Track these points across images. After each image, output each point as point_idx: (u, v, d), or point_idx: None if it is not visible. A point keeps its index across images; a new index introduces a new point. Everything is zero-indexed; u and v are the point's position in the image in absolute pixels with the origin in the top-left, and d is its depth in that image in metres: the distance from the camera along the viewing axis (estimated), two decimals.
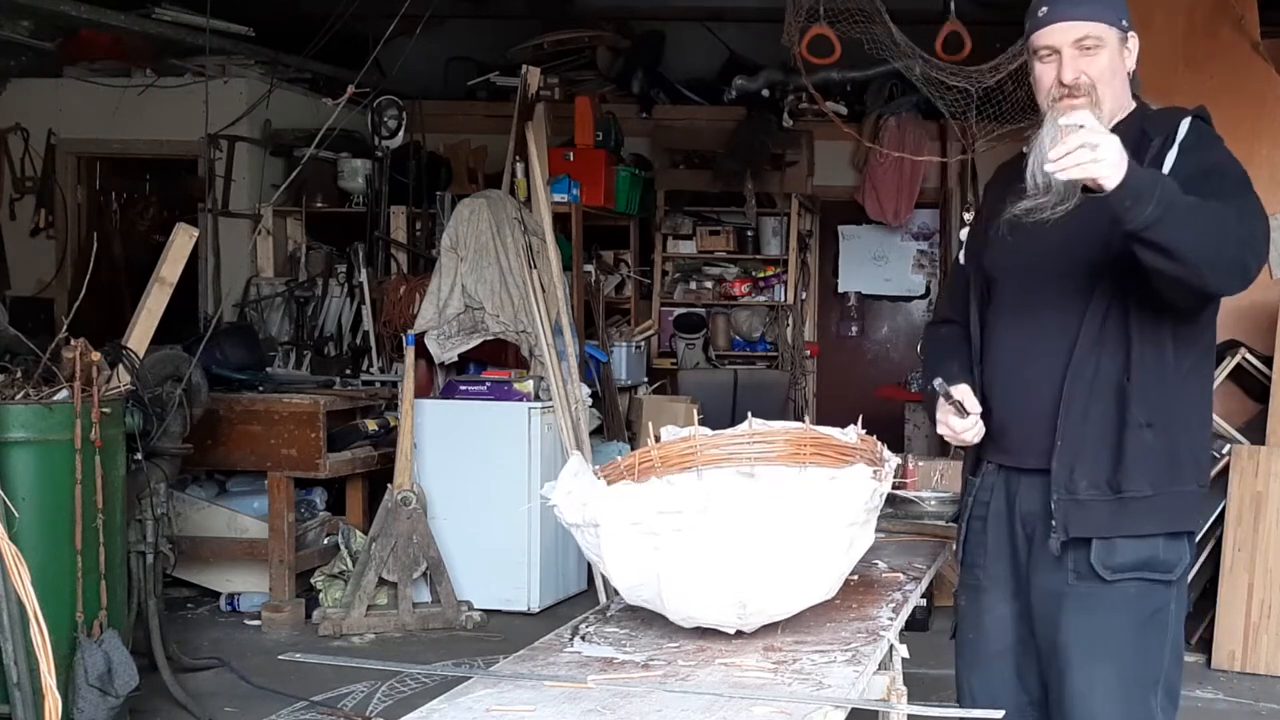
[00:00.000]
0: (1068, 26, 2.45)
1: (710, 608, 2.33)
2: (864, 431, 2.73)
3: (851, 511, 2.32)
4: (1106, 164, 2.15)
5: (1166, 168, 2.39)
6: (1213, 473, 5.26)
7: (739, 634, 2.41)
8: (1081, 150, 2.14)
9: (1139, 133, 2.48)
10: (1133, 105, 2.56)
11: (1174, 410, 2.44)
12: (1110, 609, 2.46)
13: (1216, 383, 5.48)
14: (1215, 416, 5.46)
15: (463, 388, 6.23)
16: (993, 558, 2.64)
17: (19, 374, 4.19)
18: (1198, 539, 5.21)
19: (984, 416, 2.57)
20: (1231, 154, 2.47)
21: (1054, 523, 2.46)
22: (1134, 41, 2.53)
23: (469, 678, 2.23)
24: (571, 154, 7.87)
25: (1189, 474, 2.47)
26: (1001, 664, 2.65)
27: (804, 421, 2.93)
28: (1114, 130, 2.40)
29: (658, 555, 2.26)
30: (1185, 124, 2.48)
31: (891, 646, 2.52)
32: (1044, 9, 2.49)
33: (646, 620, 2.52)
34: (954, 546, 2.82)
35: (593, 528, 2.31)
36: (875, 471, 2.38)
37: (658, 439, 2.86)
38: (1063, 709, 2.53)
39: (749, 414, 2.92)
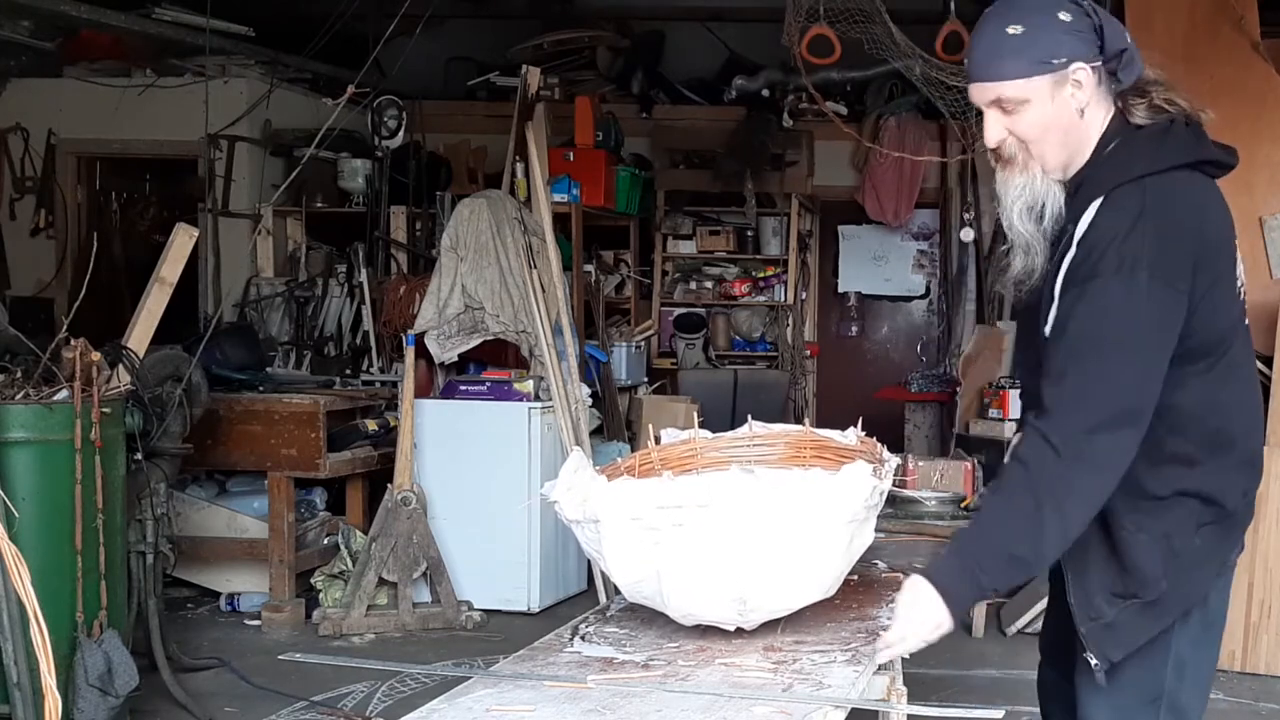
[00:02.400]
0: (981, 88, 2.19)
1: (711, 604, 2.33)
2: (864, 434, 2.75)
3: (852, 508, 2.32)
4: (920, 630, 2.18)
5: (1062, 271, 2.16)
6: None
7: (739, 634, 2.41)
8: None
9: (1071, 201, 2.21)
10: (1098, 129, 2.20)
11: (1159, 509, 2.21)
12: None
13: None
14: None
15: (463, 388, 6.23)
16: (1048, 638, 2.62)
17: (19, 374, 4.19)
18: None
19: None
20: (1131, 244, 2.07)
21: (1091, 658, 2.24)
22: (1082, 72, 2.14)
23: (469, 678, 2.23)
24: (571, 154, 7.87)
25: (1191, 553, 2.22)
26: (1052, 651, 2.57)
27: (804, 423, 2.95)
28: (1073, 179, 2.21)
29: (658, 551, 2.26)
30: (1091, 211, 2.14)
31: None
32: (968, 60, 2.23)
33: (646, 620, 2.52)
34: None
35: (593, 524, 2.31)
36: (875, 469, 2.39)
37: (658, 441, 2.87)
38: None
39: (749, 416, 2.94)
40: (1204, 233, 2.18)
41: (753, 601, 2.32)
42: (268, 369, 6.75)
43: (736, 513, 2.23)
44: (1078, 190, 2.20)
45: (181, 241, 4.81)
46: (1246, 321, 2.34)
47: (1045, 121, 2.16)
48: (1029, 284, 2.26)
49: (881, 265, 9.82)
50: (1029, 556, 2.14)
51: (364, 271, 7.35)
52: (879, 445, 2.70)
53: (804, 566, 2.32)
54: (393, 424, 6.15)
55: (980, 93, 2.19)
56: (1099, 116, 2.20)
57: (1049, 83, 2.14)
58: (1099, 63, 2.16)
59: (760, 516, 2.24)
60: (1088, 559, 2.23)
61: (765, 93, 8.59)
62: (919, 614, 2.18)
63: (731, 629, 2.40)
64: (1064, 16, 2.14)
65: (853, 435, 2.80)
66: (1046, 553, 2.15)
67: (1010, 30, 2.13)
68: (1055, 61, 2.13)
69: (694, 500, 2.23)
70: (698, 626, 2.43)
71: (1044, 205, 2.21)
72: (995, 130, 2.19)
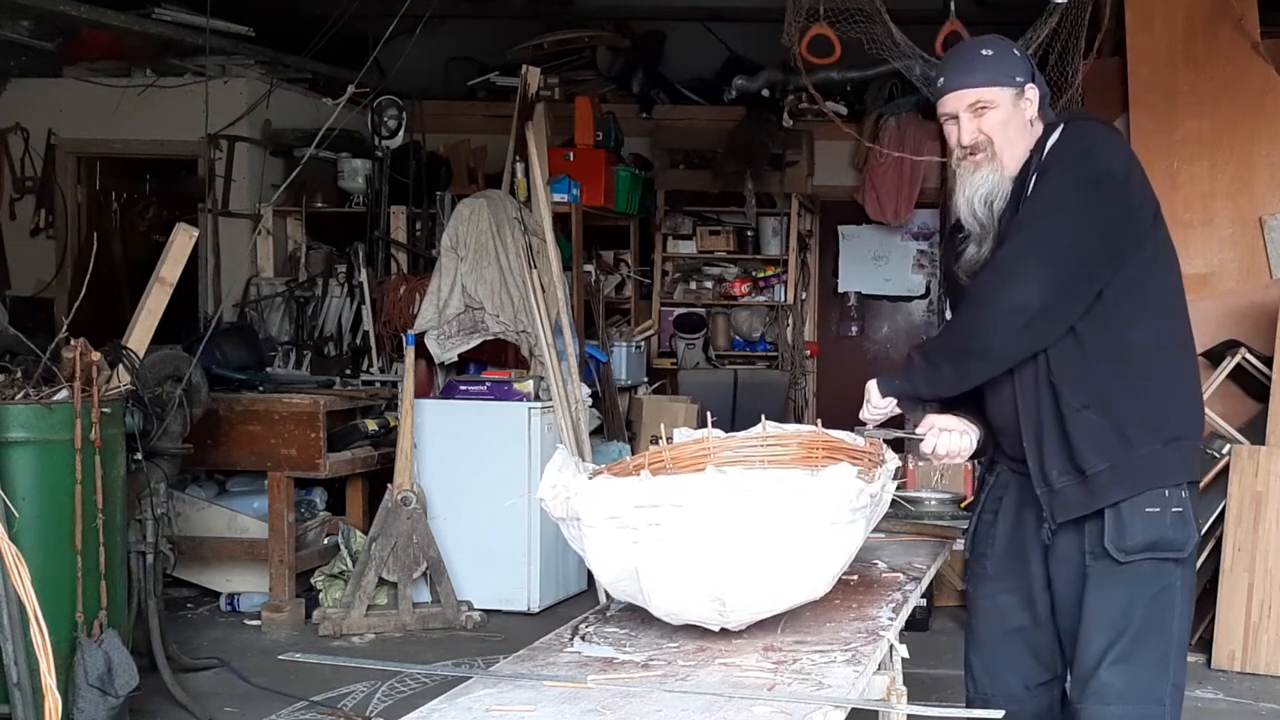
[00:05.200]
0: (961, 94, 2.72)
1: (690, 604, 2.33)
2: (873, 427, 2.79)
3: (833, 511, 2.30)
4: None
5: (1030, 186, 2.64)
6: (1213, 471, 5.29)
7: (739, 634, 2.41)
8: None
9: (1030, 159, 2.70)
10: (1038, 135, 2.72)
11: (1105, 389, 2.61)
12: (1125, 585, 2.61)
13: (1216, 382, 5.50)
14: (1215, 416, 5.48)
15: (463, 388, 6.23)
16: (999, 549, 2.82)
17: (19, 374, 4.19)
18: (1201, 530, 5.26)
19: (987, 424, 2.81)
20: (1080, 156, 2.61)
21: (1044, 514, 2.68)
22: (1033, 91, 2.73)
23: (469, 678, 2.23)
24: (571, 154, 7.87)
25: (1141, 439, 2.60)
26: (1005, 647, 2.82)
27: (813, 423, 2.97)
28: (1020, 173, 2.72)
29: (636, 550, 2.26)
30: (1055, 136, 2.66)
31: (891, 646, 2.53)
32: (942, 79, 2.77)
33: (646, 620, 2.52)
34: (965, 537, 2.99)
35: (575, 521, 2.32)
36: (861, 471, 2.38)
37: (669, 440, 2.88)
38: (1081, 681, 2.66)
39: (762, 417, 2.94)
40: (1141, 167, 2.68)
41: (731, 602, 2.31)
42: (268, 369, 6.75)
43: (711, 513, 2.23)
44: (1032, 152, 2.69)
45: (181, 241, 4.81)
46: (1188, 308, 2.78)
47: (1006, 120, 2.69)
48: (981, 261, 2.73)
49: (881, 265, 9.81)
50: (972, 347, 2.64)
51: (364, 271, 7.35)
52: (883, 447, 2.72)
53: (783, 568, 2.31)
54: (393, 424, 6.15)
55: (958, 100, 2.71)
56: (1038, 129, 2.73)
57: (1011, 94, 2.71)
58: (1039, 91, 2.75)
59: (734, 517, 2.24)
60: (1043, 435, 2.64)
61: (765, 93, 8.58)
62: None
63: (716, 629, 2.40)
64: (1016, 52, 2.77)
65: (861, 439, 2.81)
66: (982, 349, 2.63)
67: (984, 52, 2.74)
68: (1017, 79, 2.71)
69: (669, 500, 2.23)
70: (697, 626, 2.43)
71: (997, 197, 2.70)
72: (969, 130, 2.70)
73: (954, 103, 2.72)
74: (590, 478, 2.42)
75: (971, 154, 2.72)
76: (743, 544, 2.25)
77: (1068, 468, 2.61)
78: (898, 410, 2.79)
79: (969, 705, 2.83)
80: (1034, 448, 2.66)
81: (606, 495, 2.28)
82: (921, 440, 2.80)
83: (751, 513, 2.24)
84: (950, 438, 2.78)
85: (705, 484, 2.25)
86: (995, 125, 2.68)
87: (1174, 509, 2.59)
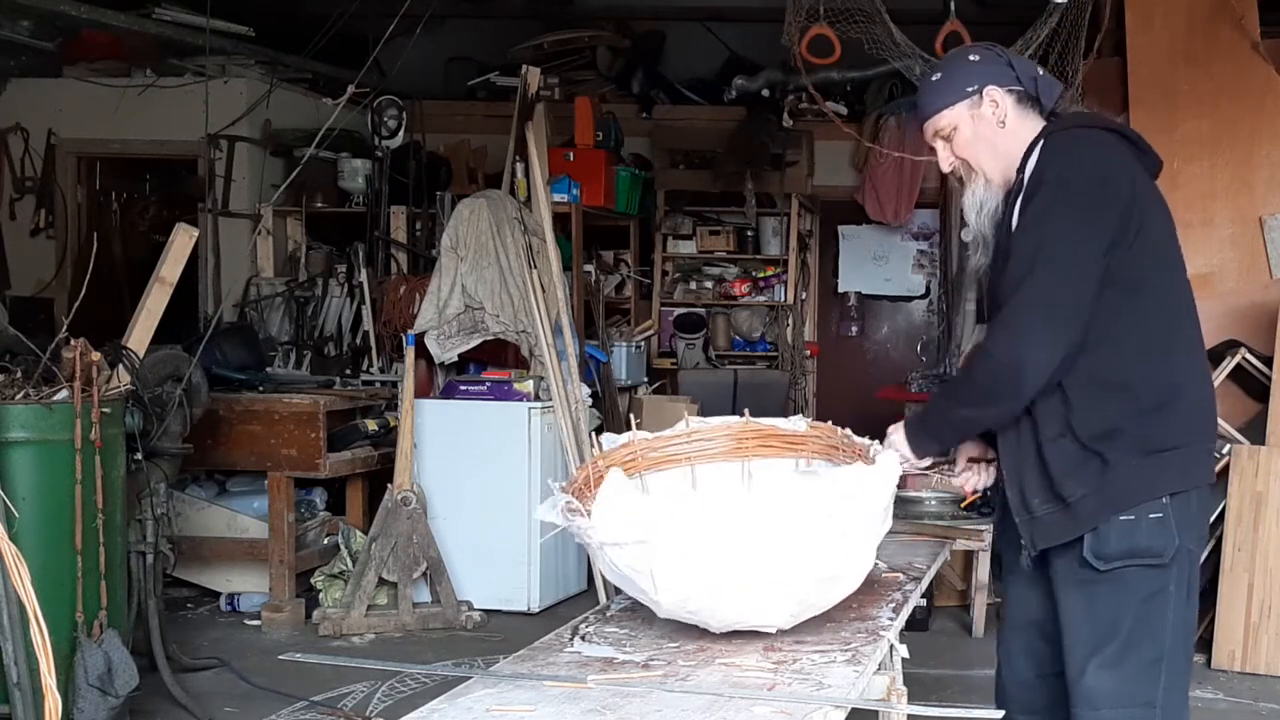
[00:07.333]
0: (924, 127, 2.77)
1: (766, 611, 2.37)
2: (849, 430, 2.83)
3: (885, 500, 2.43)
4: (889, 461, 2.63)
5: (1017, 206, 2.63)
6: (1216, 469, 5.29)
7: (739, 634, 2.42)
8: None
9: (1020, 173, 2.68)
10: (1031, 137, 2.66)
11: (1078, 417, 2.56)
12: (1108, 593, 2.60)
13: (1216, 383, 5.49)
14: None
15: (463, 388, 6.23)
16: (1015, 547, 2.81)
17: (19, 374, 4.19)
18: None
19: None
20: (1064, 169, 2.55)
21: (1023, 542, 2.67)
22: (995, 92, 2.67)
23: (469, 678, 2.23)
24: (571, 154, 7.87)
25: (1120, 458, 2.55)
26: (1023, 635, 2.86)
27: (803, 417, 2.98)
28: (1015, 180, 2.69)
29: (714, 565, 2.27)
30: (1035, 154, 2.63)
31: (891, 646, 2.53)
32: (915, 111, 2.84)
33: (646, 620, 2.52)
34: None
35: (639, 545, 2.28)
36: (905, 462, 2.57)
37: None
38: (1071, 684, 2.66)
39: (684, 414, 2.97)
40: (1129, 174, 2.60)
41: (808, 600, 2.37)
42: (268, 369, 6.75)
43: (797, 519, 2.28)
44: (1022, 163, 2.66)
45: (181, 241, 4.81)
46: (1195, 301, 2.72)
47: (973, 137, 2.70)
48: (984, 267, 2.78)
49: (881, 265, 9.81)
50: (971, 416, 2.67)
51: (364, 271, 7.35)
52: (838, 429, 2.80)
53: (847, 561, 2.40)
54: (393, 424, 6.15)
55: (926, 130, 2.76)
56: (1024, 127, 2.68)
57: (966, 106, 2.69)
58: (1016, 86, 2.69)
59: (818, 519, 2.29)
60: (1023, 465, 2.63)
61: (765, 93, 8.58)
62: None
63: (774, 631, 2.44)
64: (973, 58, 2.74)
65: (801, 422, 2.83)
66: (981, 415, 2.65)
67: (934, 78, 2.76)
68: (969, 89, 2.69)
69: (757, 512, 2.26)
70: (697, 626, 2.43)
71: (991, 208, 2.72)
72: (945, 156, 2.75)
73: (926, 134, 2.78)
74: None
75: (956, 179, 2.78)
76: (821, 543, 2.32)
77: (1049, 496, 2.60)
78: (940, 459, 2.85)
79: (999, 688, 2.90)
80: (1014, 477, 2.65)
81: (684, 514, 2.28)
82: (956, 477, 2.86)
83: (832, 511, 2.31)
84: (980, 472, 2.83)
85: (785, 490, 2.34)
86: (964, 144, 2.70)
87: (1151, 515, 2.55)
